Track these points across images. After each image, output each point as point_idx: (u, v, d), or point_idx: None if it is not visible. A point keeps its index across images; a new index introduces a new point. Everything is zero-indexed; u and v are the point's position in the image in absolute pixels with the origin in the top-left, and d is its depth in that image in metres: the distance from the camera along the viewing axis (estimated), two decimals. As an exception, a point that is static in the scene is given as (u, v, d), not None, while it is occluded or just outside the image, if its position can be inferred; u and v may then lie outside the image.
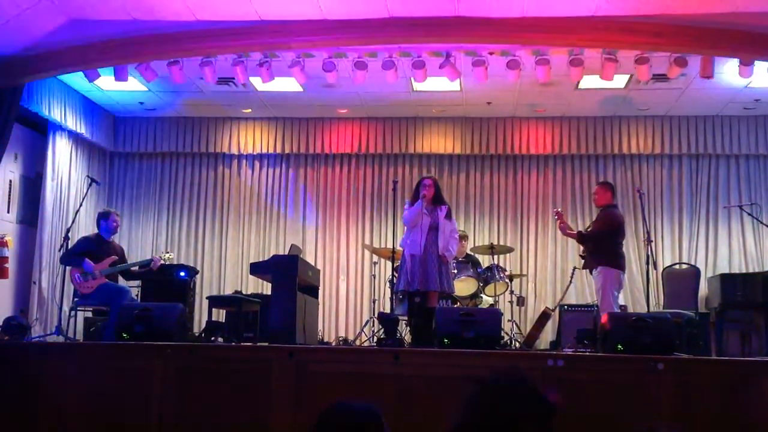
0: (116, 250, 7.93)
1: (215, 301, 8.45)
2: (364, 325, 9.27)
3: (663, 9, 6.75)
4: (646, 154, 10.28)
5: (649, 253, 7.18)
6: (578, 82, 8.67)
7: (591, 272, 7.52)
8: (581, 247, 7.61)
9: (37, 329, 8.59)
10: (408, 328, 7.52)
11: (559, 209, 7.92)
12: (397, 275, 7.49)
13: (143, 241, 10.73)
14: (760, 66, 7.66)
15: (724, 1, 6.60)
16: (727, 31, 6.81)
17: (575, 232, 7.61)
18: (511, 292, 9.02)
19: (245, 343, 7.07)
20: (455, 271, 8.20)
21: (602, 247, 7.22)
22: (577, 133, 10.25)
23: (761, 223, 9.61)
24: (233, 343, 7.04)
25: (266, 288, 8.62)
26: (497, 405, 1.91)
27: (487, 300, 8.65)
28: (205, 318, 8.80)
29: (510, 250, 9.53)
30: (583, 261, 7.60)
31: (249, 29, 7.23)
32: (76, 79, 8.89)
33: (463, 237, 8.97)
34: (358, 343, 8.91)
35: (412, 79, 8.43)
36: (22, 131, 9.08)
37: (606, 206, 7.47)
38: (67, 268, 7.67)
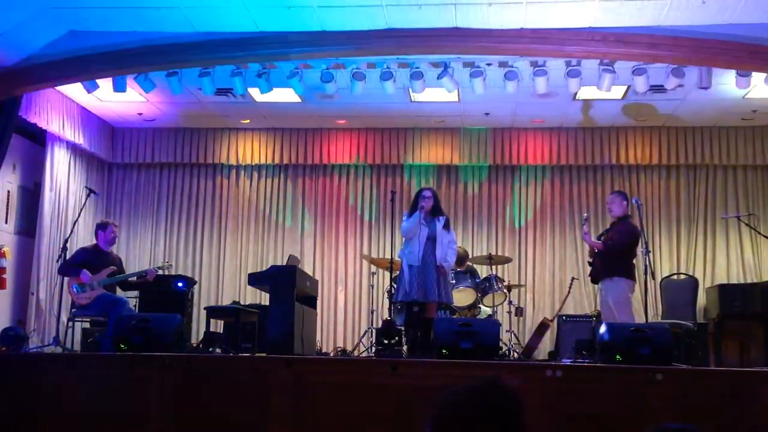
0: (114, 261, 7.93)
1: (213, 312, 8.43)
2: (362, 336, 9.25)
3: (660, 20, 6.78)
4: (643, 165, 10.29)
5: (647, 263, 7.16)
6: (576, 93, 8.70)
7: (597, 282, 7.50)
8: (591, 257, 7.53)
9: (34, 340, 8.57)
10: (406, 338, 7.51)
11: (587, 215, 7.82)
12: (395, 286, 7.49)
13: (141, 251, 10.72)
14: (757, 77, 7.70)
15: (721, 12, 6.63)
16: (724, 43, 6.84)
17: (600, 243, 7.37)
18: (510, 303, 9.01)
19: (243, 354, 7.05)
20: (453, 282, 8.20)
21: (619, 257, 7.21)
22: (575, 144, 10.26)
23: (759, 233, 9.62)
24: (231, 354, 7.02)
25: (264, 298, 8.61)
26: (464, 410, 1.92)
27: (485, 310, 8.64)
28: (203, 328, 8.77)
29: (508, 260, 9.52)
30: (590, 271, 7.56)
31: (248, 40, 7.26)
32: (74, 90, 8.90)
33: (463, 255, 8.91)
34: (356, 353, 8.88)
35: (411, 89, 8.45)
36: (20, 142, 9.08)
37: (623, 217, 7.45)
38: (65, 278, 7.67)
